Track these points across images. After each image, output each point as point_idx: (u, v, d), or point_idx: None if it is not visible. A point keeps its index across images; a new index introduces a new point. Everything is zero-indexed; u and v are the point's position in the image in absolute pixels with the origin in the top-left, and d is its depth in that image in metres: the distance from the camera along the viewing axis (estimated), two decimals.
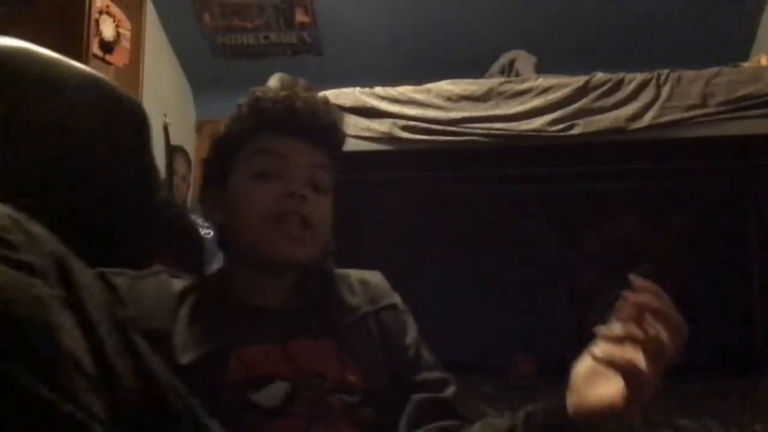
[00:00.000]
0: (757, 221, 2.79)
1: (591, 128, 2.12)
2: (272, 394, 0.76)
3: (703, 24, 2.90)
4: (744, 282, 2.78)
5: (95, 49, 2.39)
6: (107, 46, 2.57)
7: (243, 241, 0.87)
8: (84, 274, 0.60)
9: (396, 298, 0.94)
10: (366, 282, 0.94)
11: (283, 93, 0.91)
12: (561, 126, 2.13)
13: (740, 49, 2.90)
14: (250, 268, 0.87)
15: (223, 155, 0.91)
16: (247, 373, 0.77)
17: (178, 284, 0.88)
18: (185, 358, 0.77)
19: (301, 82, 1.01)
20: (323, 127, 0.91)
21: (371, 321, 0.89)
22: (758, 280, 2.75)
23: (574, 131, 2.13)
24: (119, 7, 2.67)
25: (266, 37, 3.23)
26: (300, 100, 0.90)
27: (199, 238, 1.16)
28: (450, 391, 0.87)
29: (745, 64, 2.42)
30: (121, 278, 0.81)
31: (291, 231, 0.83)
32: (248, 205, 0.85)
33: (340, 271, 0.96)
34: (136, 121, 1.00)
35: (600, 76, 2.20)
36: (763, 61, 2.38)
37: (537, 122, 2.15)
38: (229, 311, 0.85)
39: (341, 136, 0.95)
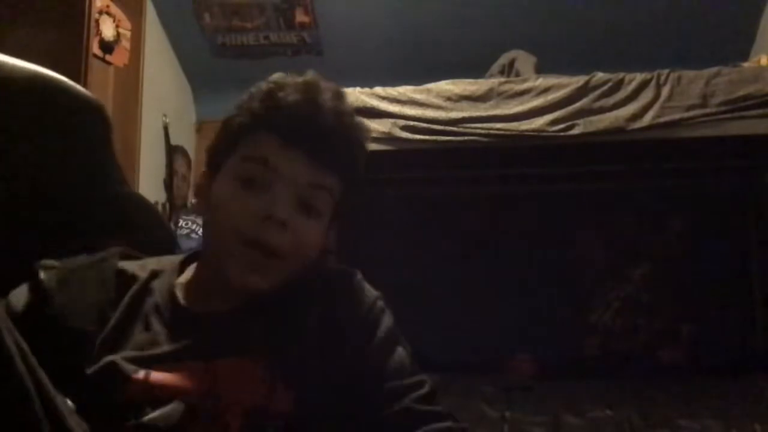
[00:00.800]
0: (757, 221, 2.79)
1: (591, 128, 2.12)
2: (167, 414, 0.69)
3: (703, 24, 2.90)
4: (744, 282, 2.78)
5: (95, 49, 2.39)
6: (107, 46, 2.57)
7: (210, 247, 0.80)
8: None
9: (361, 297, 0.81)
10: (329, 281, 0.82)
11: (302, 94, 0.78)
12: (561, 126, 2.13)
13: (740, 48, 2.90)
14: (215, 274, 0.79)
15: (223, 142, 0.82)
16: (151, 392, 0.70)
17: (130, 270, 0.81)
18: (94, 366, 0.72)
19: (332, 86, 0.81)
20: (340, 149, 0.79)
21: (324, 328, 0.77)
22: (758, 280, 2.75)
23: (574, 131, 2.13)
24: (119, 7, 2.68)
25: (266, 37, 3.23)
26: (318, 107, 0.78)
27: (169, 235, 1.09)
28: (423, 392, 0.76)
29: (745, 64, 2.42)
30: (52, 272, 0.77)
31: (256, 260, 0.75)
32: (223, 214, 0.77)
33: (317, 268, 0.84)
34: (98, 123, 0.96)
35: (600, 76, 2.20)
36: (763, 61, 2.38)
37: (537, 122, 2.15)
38: (165, 316, 0.78)
39: (360, 163, 0.83)
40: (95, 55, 2.36)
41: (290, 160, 0.77)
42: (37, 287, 0.76)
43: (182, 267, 0.85)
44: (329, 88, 0.80)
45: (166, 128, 3.12)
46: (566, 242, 2.91)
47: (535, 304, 2.79)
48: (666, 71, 2.16)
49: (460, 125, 2.18)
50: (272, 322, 0.78)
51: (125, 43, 2.72)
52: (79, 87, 0.96)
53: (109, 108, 2.74)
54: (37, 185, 0.90)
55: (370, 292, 0.83)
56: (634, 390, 2.16)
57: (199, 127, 3.42)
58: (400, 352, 0.79)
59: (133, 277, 0.81)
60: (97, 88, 2.30)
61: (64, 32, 2.03)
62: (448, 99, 2.23)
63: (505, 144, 2.17)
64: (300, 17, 3.14)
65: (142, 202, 1.05)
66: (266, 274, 0.76)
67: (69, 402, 0.65)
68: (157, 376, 0.71)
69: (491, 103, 2.21)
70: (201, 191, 0.83)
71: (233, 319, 0.78)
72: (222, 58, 3.32)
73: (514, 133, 2.15)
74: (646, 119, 2.11)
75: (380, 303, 0.81)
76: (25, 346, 0.58)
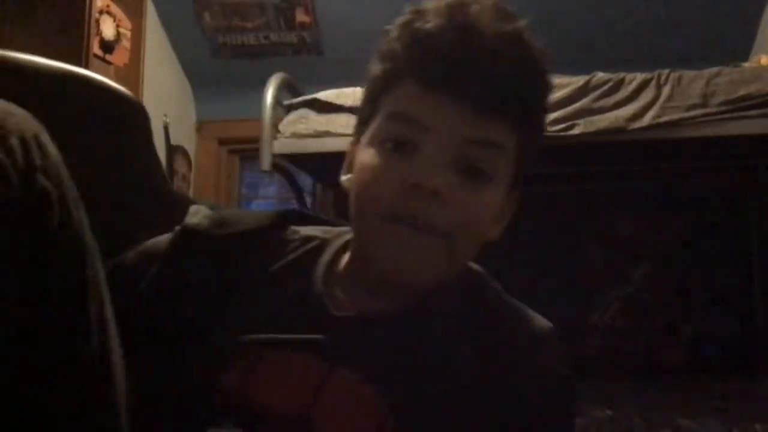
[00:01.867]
0: (757, 221, 2.79)
1: (591, 128, 2.12)
2: None
3: (703, 24, 2.90)
4: (744, 282, 2.78)
5: (96, 48, 2.39)
6: (108, 46, 2.57)
7: (353, 230, 0.64)
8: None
9: (548, 362, 0.62)
10: (515, 330, 0.63)
11: (449, 21, 0.58)
12: (561, 126, 2.13)
13: (740, 48, 2.90)
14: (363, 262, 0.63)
15: (365, 100, 0.65)
16: (241, 403, 0.59)
17: (298, 236, 0.67)
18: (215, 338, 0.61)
19: (489, 1, 0.60)
20: (508, 84, 0.58)
21: (483, 391, 0.58)
22: (758, 280, 2.75)
23: (575, 131, 2.13)
24: (119, 6, 2.68)
25: (266, 37, 3.23)
26: (474, 37, 0.57)
27: None
28: None
29: (746, 64, 2.41)
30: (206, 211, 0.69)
31: (405, 235, 0.57)
32: (362, 186, 0.60)
33: (499, 296, 0.68)
34: (132, 117, 0.97)
35: (600, 75, 2.19)
36: (764, 61, 2.37)
37: None
38: (296, 306, 0.63)
39: (541, 105, 0.64)
40: (95, 55, 2.36)
41: (441, 111, 0.58)
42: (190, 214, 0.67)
43: (343, 257, 0.67)
44: (485, 3, 0.60)
45: (166, 128, 3.12)
46: (566, 242, 2.91)
47: (535, 304, 2.78)
48: (666, 71, 2.16)
49: None
50: (417, 340, 0.61)
51: (125, 43, 2.72)
52: (118, 85, 0.96)
53: None
54: (88, 185, 0.90)
55: (562, 359, 0.64)
56: (634, 390, 2.16)
57: (200, 127, 3.42)
58: None
59: (286, 250, 0.66)
60: None
61: (64, 32, 2.03)
62: None
63: None
64: (300, 17, 3.13)
65: (185, 200, 1.04)
66: (422, 253, 0.58)
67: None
68: (258, 381, 0.59)
69: None
70: (349, 165, 0.66)
71: (378, 323, 0.62)
72: (222, 57, 3.32)
73: None
74: (647, 119, 2.11)
75: (570, 384, 0.63)
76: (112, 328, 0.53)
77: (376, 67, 0.64)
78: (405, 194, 0.57)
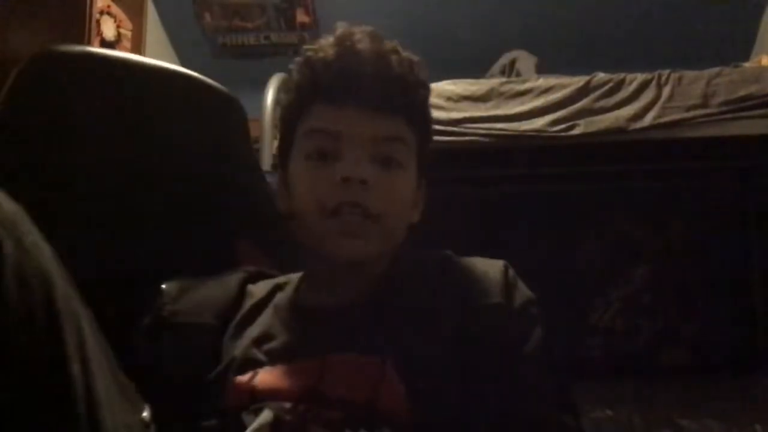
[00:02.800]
0: (757, 221, 2.79)
1: (592, 128, 2.13)
2: (258, 425, 0.65)
3: (703, 24, 2.90)
4: (744, 282, 2.78)
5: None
6: (108, 47, 2.57)
7: (302, 236, 0.75)
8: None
9: (514, 296, 0.74)
10: (471, 273, 0.76)
11: (337, 50, 0.74)
12: (562, 126, 2.13)
13: (741, 49, 2.90)
14: (319, 262, 0.75)
15: (282, 132, 0.78)
16: (252, 395, 0.68)
17: (259, 286, 0.79)
18: (218, 366, 0.72)
19: (366, 30, 0.76)
20: (392, 89, 0.73)
21: (458, 328, 0.70)
22: (758, 280, 2.75)
23: (575, 131, 2.13)
24: (120, 7, 2.68)
25: (267, 38, 3.23)
26: (358, 57, 0.73)
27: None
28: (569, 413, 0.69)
29: (746, 64, 2.41)
30: (175, 282, 0.79)
31: (348, 226, 0.70)
32: (301, 195, 0.73)
33: (449, 258, 0.79)
34: (231, 114, 0.98)
35: (601, 76, 2.20)
36: (764, 61, 2.38)
37: (538, 122, 2.15)
38: (280, 316, 0.75)
39: (423, 100, 0.78)
40: None
41: (350, 120, 0.72)
42: (159, 296, 0.77)
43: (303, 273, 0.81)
44: (363, 32, 0.76)
45: None
46: (566, 242, 2.91)
47: None
48: (667, 71, 2.16)
49: (461, 125, 2.18)
50: (391, 312, 0.72)
51: (126, 44, 2.72)
52: (213, 82, 0.99)
53: None
54: (191, 187, 0.91)
55: (526, 290, 0.76)
56: (634, 390, 2.16)
57: None
58: (547, 370, 0.73)
59: (254, 296, 0.79)
60: None
61: (65, 32, 2.03)
62: (449, 99, 2.23)
63: (505, 144, 2.17)
64: (301, 17, 3.14)
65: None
66: (365, 236, 0.70)
67: (146, 412, 0.66)
68: (263, 376, 0.69)
69: (492, 103, 2.21)
70: (282, 193, 0.79)
71: (347, 311, 0.73)
72: (223, 58, 3.32)
73: (514, 133, 2.16)
74: (647, 119, 2.11)
75: (534, 301, 0.75)
76: (93, 349, 0.58)
77: (286, 100, 0.77)
78: (338, 189, 0.70)
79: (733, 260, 2.81)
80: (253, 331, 0.75)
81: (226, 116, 0.98)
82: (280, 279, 0.83)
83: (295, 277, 0.82)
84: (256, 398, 0.68)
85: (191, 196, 0.91)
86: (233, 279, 0.81)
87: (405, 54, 0.76)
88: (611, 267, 2.88)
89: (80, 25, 2.03)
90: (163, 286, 0.79)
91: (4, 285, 0.52)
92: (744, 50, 2.91)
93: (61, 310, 0.55)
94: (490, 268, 0.78)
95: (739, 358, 2.62)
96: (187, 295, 0.78)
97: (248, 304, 0.78)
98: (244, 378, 0.69)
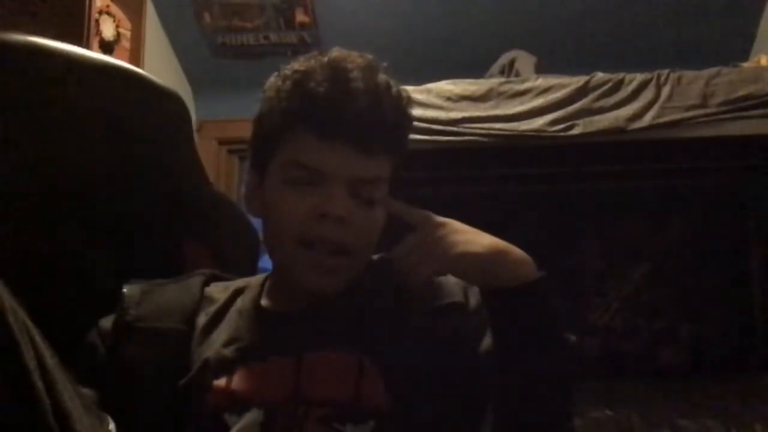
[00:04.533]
0: (757, 221, 2.79)
1: (591, 128, 2.13)
2: (247, 424, 0.66)
3: (703, 24, 2.90)
4: (744, 282, 2.77)
5: (95, 49, 2.39)
6: (107, 46, 2.57)
7: (272, 254, 0.76)
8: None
9: (467, 296, 0.77)
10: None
11: (329, 84, 0.71)
12: (561, 126, 2.13)
13: (740, 49, 2.90)
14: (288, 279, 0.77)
15: (261, 142, 0.77)
16: (232, 399, 0.68)
17: (218, 289, 0.80)
18: (189, 373, 0.71)
19: (359, 61, 0.73)
20: (382, 130, 0.73)
21: (425, 324, 0.73)
22: (758, 281, 2.75)
23: (574, 131, 2.13)
24: (119, 7, 2.68)
25: (266, 37, 3.23)
26: (351, 95, 0.71)
27: (254, 234, 1.08)
28: None
29: (745, 64, 2.41)
30: (136, 286, 0.78)
31: (321, 261, 0.71)
32: (277, 219, 0.73)
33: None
34: (177, 114, 0.96)
35: (600, 76, 2.20)
36: (764, 61, 2.38)
37: (537, 122, 2.15)
38: (247, 319, 0.76)
39: (406, 130, 0.79)
40: None
41: (335, 159, 0.71)
42: (121, 300, 0.76)
43: (267, 281, 0.82)
44: (358, 66, 0.73)
45: None
46: (566, 242, 2.91)
47: None
48: (666, 71, 2.16)
49: (460, 125, 2.18)
50: (358, 310, 0.74)
51: (125, 43, 2.72)
52: (156, 78, 0.96)
53: None
54: (137, 184, 0.90)
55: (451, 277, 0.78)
56: (634, 390, 2.16)
57: (200, 127, 3.41)
58: None
59: (215, 300, 0.79)
60: None
61: (64, 32, 2.03)
62: (448, 99, 2.23)
63: (505, 144, 2.17)
64: (300, 17, 3.13)
65: (227, 203, 1.04)
66: (336, 273, 0.72)
67: (111, 425, 0.65)
68: (239, 380, 0.69)
69: (491, 103, 2.21)
70: (251, 193, 0.79)
71: (316, 312, 0.74)
72: (222, 57, 3.32)
73: (514, 133, 2.15)
74: (646, 119, 2.11)
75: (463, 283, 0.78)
76: (51, 362, 0.57)
77: (269, 117, 0.75)
78: (313, 222, 0.70)
79: (733, 260, 2.81)
80: (220, 335, 0.75)
81: (173, 117, 0.96)
82: (238, 283, 0.83)
83: (254, 281, 0.82)
84: (236, 399, 0.68)
85: (133, 195, 0.90)
86: (194, 283, 0.81)
87: (396, 89, 0.76)
88: (611, 266, 2.88)
89: (79, 24, 2.03)
90: (125, 289, 0.77)
91: None
92: (743, 50, 2.91)
93: (12, 324, 0.55)
94: None
95: (739, 358, 2.62)
96: (150, 299, 0.77)
97: (212, 309, 0.78)
98: (221, 380, 0.70)
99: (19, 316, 0.57)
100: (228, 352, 0.72)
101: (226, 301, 0.79)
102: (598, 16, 2.95)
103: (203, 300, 0.79)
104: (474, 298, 0.77)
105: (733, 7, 2.88)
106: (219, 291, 0.81)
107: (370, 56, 0.76)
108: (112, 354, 0.74)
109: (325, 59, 0.75)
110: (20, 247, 0.82)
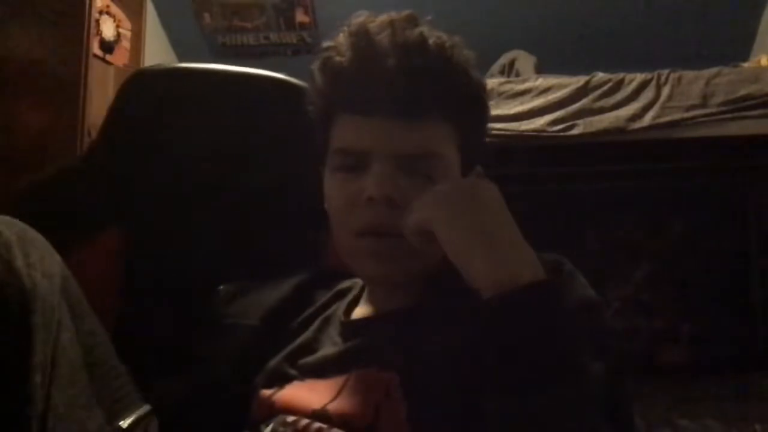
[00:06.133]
0: (757, 221, 2.79)
1: (591, 128, 2.13)
2: None
3: (703, 24, 2.90)
4: (744, 282, 2.78)
5: (96, 49, 2.39)
6: (108, 46, 2.57)
7: (338, 249, 0.70)
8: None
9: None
10: None
11: (352, 52, 0.64)
12: (561, 126, 2.13)
13: (740, 49, 2.90)
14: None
15: (317, 133, 0.71)
16: (269, 410, 0.66)
17: (324, 292, 0.76)
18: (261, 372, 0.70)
19: (383, 20, 0.65)
20: (420, 89, 0.63)
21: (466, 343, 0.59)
22: (758, 281, 2.75)
23: (575, 131, 2.13)
24: (119, 7, 2.68)
25: (266, 38, 3.23)
26: (376, 59, 0.62)
27: None
28: None
29: (746, 64, 2.42)
30: (231, 285, 0.80)
31: (378, 248, 0.64)
32: (332, 212, 0.68)
33: None
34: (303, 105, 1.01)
35: (600, 76, 2.20)
36: (764, 61, 2.38)
37: (537, 122, 2.15)
38: (325, 329, 0.72)
39: (458, 80, 0.67)
40: (95, 55, 2.35)
41: (374, 132, 0.64)
42: (215, 298, 0.79)
43: None
44: (380, 24, 0.65)
45: None
46: (566, 242, 2.91)
47: None
48: (666, 71, 2.16)
49: None
50: (418, 319, 0.66)
51: (125, 43, 2.72)
52: (288, 77, 0.98)
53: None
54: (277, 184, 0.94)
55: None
56: (634, 390, 2.15)
57: None
58: None
59: (313, 302, 0.76)
60: (97, 87, 2.30)
61: (64, 32, 2.02)
62: None
63: (505, 144, 2.17)
64: (300, 17, 3.14)
65: None
66: (397, 260, 0.64)
67: (127, 420, 0.69)
68: (286, 392, 0.66)
69: (491, 103, 2.20)
70: (320, 189, 0.72)
71: (379, 322, 0.69)
72: (222, 57, 3.32)
73: (514, 133, 2.15)
74: (647, 119, 2.11)
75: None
76: (65, 365, 0.62)
77: (313, 106, 0.70)
78: (365, 209, 0.63)
79: (733, 260, 2.81)
80: (295, 342, 0.72)
81: (300, 107, 1.00)
82: (345, 284, 0.77)
83: (359, 282, 0.76)
84: (273, 411, 0.65)
85: (269, 193, 0.93)
86: (291, 281, 0.78)
87: (435, 39, 0.66)
88: (611, 267, 2.88)
89: (80, 24, 2.02)
90: (220, 288, 0.80)
91: None
92: (743, 50, 2.91)
93: (37, 324, 0.61)
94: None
95: (739, 358, 2.62)
96: (241, 298, 0.79)
97: (307, 312, 0.75)
98: (268, 392, 0.67)
99: (53, 317, 0.63)
100: (288, 364, 0.69)
101: (322, 305, 0.75)
102: (598, 16, 2.95)
103: (299, 300, 0.76)
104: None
105: (734, 7, 2.88)
106: (322, 294, 0.77)
107: (406, 12, 0.67)
108: (197, 346, 0.77)
109: (352, 25, 0.67)
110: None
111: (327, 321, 0.73)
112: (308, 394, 0.65)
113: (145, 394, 0.73)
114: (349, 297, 0.75)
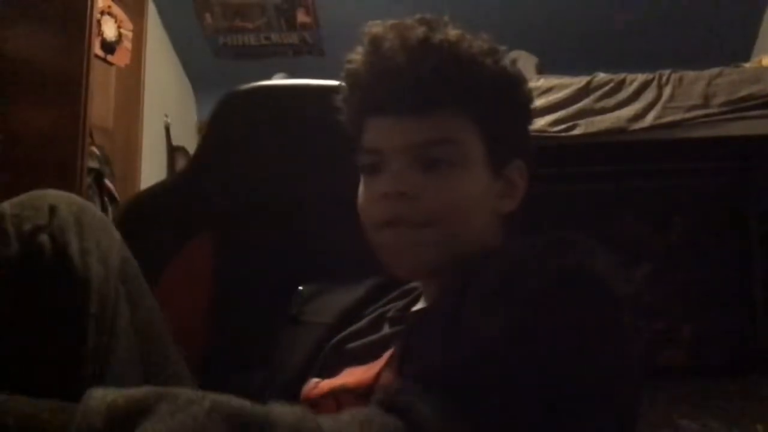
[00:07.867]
0: (757, 221, 2.79)
1: (592, 129, 2.13)
2: None
3: (704, 24, 2.90)
4: (744, 282, 2.78)
5: (97, 49, 2.39)
6: (109, 47, 2.58)
7: (374, 249, 0.71)
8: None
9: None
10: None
11: (364, 57, 0.68)
12: (562, 126, 2.13)
13: (742, 49, 2.90)
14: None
15: (353, 136, 0.73)
16: (307, 401, 0.68)
17: (395, 293, 0.78)
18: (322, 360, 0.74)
19: (392, 25, 0.69)
20: (429, 84, 0.65)
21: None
22: (758, 281, 2.75)
23: (576, 131, 2.13)
24: (121, 7, 2.68)
25: (267, 38, 3.23)
26: (385, 61, 0.66)
27: None
28: None
29: (747, 65, 2.42)
30: (311, 286, 0.84)
31: (401, 240, 0.65)
32: (360, 213, 0.70)
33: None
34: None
35: (601, 76, 2.20)
36: (765, 62, 2.38)
37: (538, 123, 2.15)
38: (380, 328, 0.74)
39: (472, 71, 0.67)
40: (97, 56, 2.36)
41: (387, 133, 0.67)
42: (295, 297, 0.84)
43: None
44: (389, 27, 0.69)
45: (167, 129, 3.12)
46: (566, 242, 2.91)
47: None
48: (667, 72, 2.17)
49: None
50: (435, 320, 0.65)
51: (127, 44, 2.73)
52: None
53: (111, 109, 2.74)
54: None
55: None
56: None
57: (201, 128, 3.42)
58: None
59: (381, 302, 0.78)
60: (98, 88, 2.31)
61: (65, 33, 2.03)
62: None
63: None
64: (301, 18, 3.14)
65: None
66: (424, 247, 0.65)
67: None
68: (323, 385, 0.69)
69: None
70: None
71: (417, 316, 0.70)
72: (223, 58, 3.33)
73: None
74: (648, 120, 2.11)
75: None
76: (119, 354, 0.64)
77: (345, 110, 0.73)
78: (381, 205, 0.66)
79: (733, 260, 2.81)
80: (348, 330, 0.76)
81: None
82: (413, 284, 0.78)
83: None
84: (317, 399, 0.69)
85: (352, 202, 0.97)
86: (366, 283, 0.81)
87: (446, 34, 0.67)
88: None
89: (81, 25, 2.03)
90: (300, 287, 0.84)
91: (43, 288, 0.61)
92: (744, 51, 2.91)
93: (93, 313, 0.62)
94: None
95: (739, 358, 2.62)
96: (319, 297, 0.83)
97: (376, 312, 0.76)
98: (310, 384, 0.71)
99: (110, 308, 0.64)
100: (333, 351, 0.74)
101: (385, 302, 0.77)
102: (599, 16, 2.95)
103: (371, 301, 0.78)
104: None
105: (735, 7, 2.89)
106: (391, 295, 0.78)
107: (422, 15, 0.70)
108: (276, 341, 0.81)
109: (371, 29, 0.71)
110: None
111: (382, 315, 0.76)
112: (345, 377, 0.69)
113: (198, 383, 0.75)
114: (414, 294, 0.76)
